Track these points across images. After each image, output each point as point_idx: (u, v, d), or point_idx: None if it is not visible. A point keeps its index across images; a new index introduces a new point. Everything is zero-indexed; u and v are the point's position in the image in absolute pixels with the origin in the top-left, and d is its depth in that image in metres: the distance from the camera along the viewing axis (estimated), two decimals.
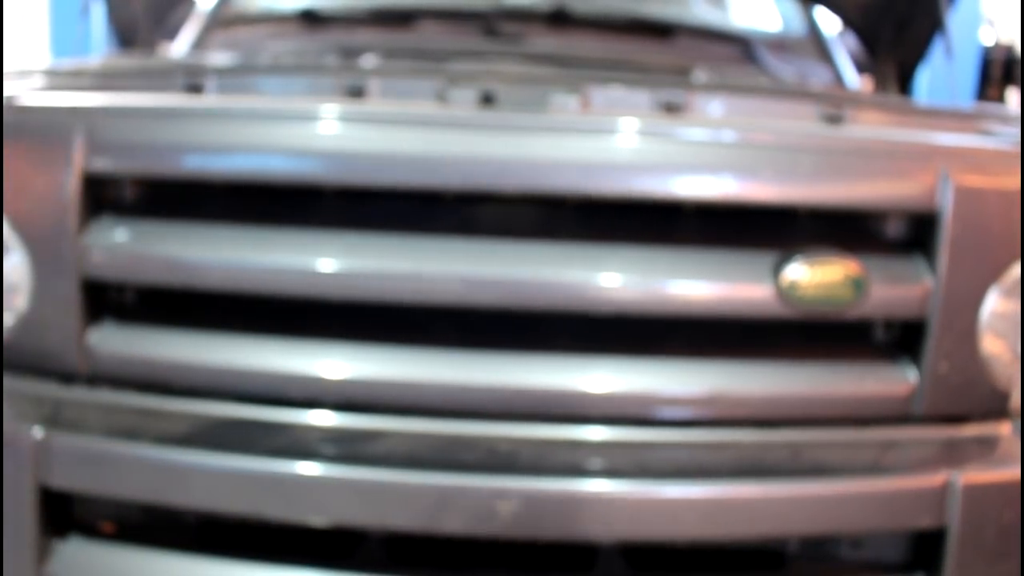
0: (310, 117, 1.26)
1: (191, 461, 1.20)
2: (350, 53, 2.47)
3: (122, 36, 3.03)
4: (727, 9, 3.27)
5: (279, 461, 1.19)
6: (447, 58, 2.33)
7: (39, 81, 1.56)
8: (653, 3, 3.17)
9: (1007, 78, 5.54)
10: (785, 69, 2.88)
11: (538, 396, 1.24)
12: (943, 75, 3.90)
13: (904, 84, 3.10)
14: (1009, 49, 5.60)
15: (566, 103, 1.33)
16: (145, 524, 1.30)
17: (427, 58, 2.39)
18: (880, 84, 3.15)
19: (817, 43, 3.11)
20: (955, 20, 4.05)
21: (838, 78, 2.94)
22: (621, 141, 1.23)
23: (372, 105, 1.36)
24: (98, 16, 3.12)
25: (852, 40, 3.19)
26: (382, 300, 1.25)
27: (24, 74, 1.67)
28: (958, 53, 4.69)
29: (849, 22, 3.04)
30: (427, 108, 1.32)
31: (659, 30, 2.84)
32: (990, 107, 1.86)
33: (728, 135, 1.26)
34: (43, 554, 1.24)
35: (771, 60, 2.91)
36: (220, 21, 3.04)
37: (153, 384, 1.29)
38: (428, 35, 2.78)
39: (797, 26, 3.22)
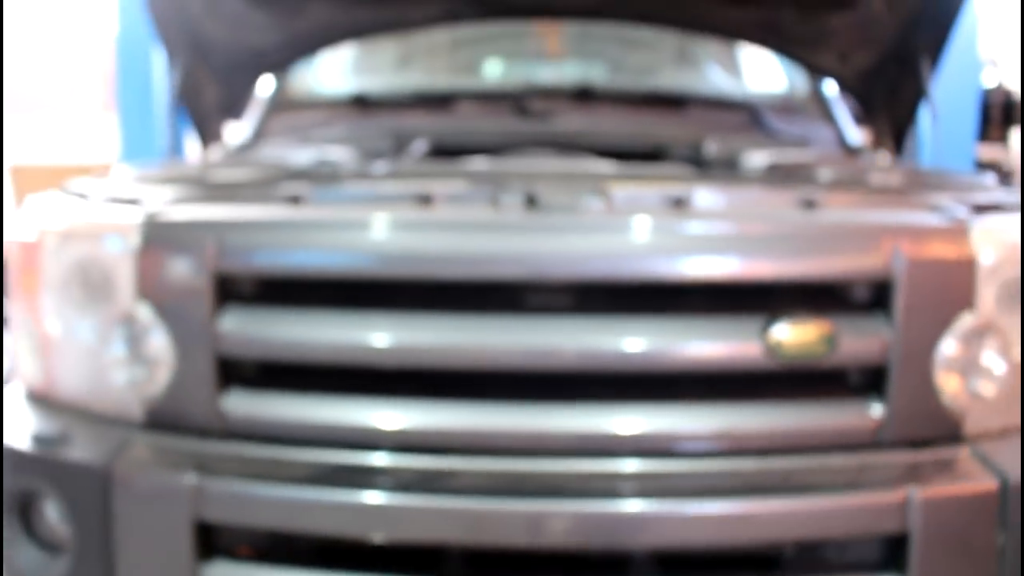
0: (391, 225, 1.61)
1: (313, 497, 1.53)
2: (399, 136, 2.79)
3: (197, 126, 3.40)
4: (737, 72, 3.53)
5: (381, 494, 1.52)
6: (486, 140, 2.66)
7: (166, 189, 1.87)
8: (668, 75, 3.47)
9: (1007, 120, 5.88)
10: (790, 131, 3.16)
11: (584, 438, 1.56)
12: (943, 123, 4.20)
13: (899, 138, 3.38)
14: (1007, 93, 5.92)
15: (592, 204, 1.66)
16: (272, 547, 1.63)
17: (468, 139, 2.71)
18: (877, 139, 3.44)
19: (820, 104, 3.40)
20: (954, 65, 4.36)
21: (840, 136, 3.22)
22: (637, 236, 1.57)
23: (439, 212, 1.68)
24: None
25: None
26: (454, 367, 1.58)
27: (145, 179, 2.02)
28: (958, 97, 5.01)
29: (847, 87, 3.34)
30: (483, 213, 1.66)
31: (674, 102, 3.14)
32: (950, 177, 2.16)
33: (723, 227, 1.60)
34: (195, 573, 1.57)
35: (777, 123, 3.19)
36: (278, 105, 3.39)
37: (275, 438, 1.62)
38: (468, 116, 3.09)
39: (801, 85, 3.50)
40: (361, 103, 3.17)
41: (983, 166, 5.69)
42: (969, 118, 4.89)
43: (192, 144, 4.23)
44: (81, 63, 9.94)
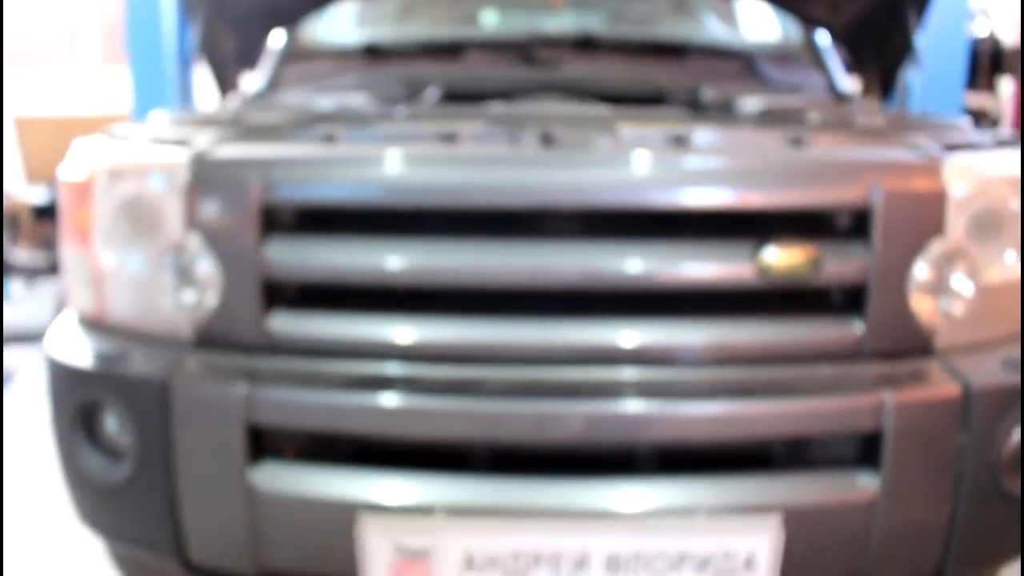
0: (420, 160, 1.78)
1: (350, 402, 1.72)
2: (411, 83, 2.94)
3: (216, 76, 3.55)
4: (733, 23, 3.64)
5: (410, 398, 1.70)
6: (495, 86, 2.80)
7: (206, 132, 2.00)
8: (666, 24, 3.61)
9: (994, 68, 6.08)
10: (783, 79, 3.31)
11: (594, 349, 1.74)
12: (932, 72, 4.36)
13: (887, 85, 3.54)
14: (996, 42, 6.10)
15: (602, 141, 1.83)
16: (314, 448, 1.81)
17: (478, 85, 2.86)
18: (866, 86, 3.60)
19: (812, 53, 3.55)
20: (942, 15, 4.50)
21: (831, 84, 3.37)
22: (642, 169, 1.74)
23: (463, 148, 1.85)
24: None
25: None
26: (476, 286, 1.75)
27: (183, 122, 2.18)
28: (947, 46, 5.17)
29: (837, 37, 3.49)
30: (504, 149, 1.83)
31: (672, 51, 3.28)
32: (928, 119, 2.33)
33: (719, 161, 1.77)
34: (246, 472, 1.75)
35: (771, 71, 3.34)
36: (291, 56, 3.53)
37: (316, 351, 1.80)
38: (476, 64, 3.23)
39: (795, 35, 3.63)
40: (372, 52, 3.29)
41: (971, 113, 5.86)
42: (958, 67, 5.02)
43: (200, 94, 4.37)
44: (81, 17, 9.99)
